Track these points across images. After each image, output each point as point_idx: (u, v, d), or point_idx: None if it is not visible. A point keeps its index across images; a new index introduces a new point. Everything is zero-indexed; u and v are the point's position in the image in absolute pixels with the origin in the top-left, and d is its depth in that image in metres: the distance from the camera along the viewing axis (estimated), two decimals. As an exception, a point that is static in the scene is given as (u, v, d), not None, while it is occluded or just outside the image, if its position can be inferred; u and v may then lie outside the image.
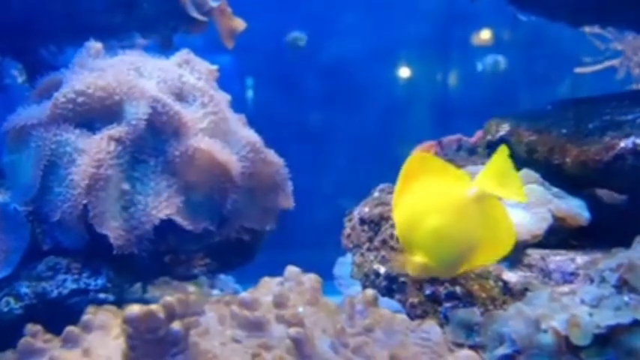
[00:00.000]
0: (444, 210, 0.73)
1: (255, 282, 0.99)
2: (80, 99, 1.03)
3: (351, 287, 1.20)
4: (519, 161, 1.15)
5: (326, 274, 1.01)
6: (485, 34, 3.04)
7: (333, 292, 1.11)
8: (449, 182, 0.75)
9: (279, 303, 0.87)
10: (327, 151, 2.84)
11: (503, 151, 0.76)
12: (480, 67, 2.94)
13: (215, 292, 1.49)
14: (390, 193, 1.26)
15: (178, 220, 1.03)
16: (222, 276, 1.61)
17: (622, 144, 0.99)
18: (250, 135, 1.14)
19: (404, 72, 3.08)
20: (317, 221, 2.26)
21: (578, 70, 2.23)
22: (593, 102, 1.24)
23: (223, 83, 1.23)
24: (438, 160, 0.79)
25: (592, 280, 0.91)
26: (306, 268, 0.96)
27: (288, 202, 1.18)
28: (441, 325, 0.90)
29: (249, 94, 3.00)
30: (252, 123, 1.22)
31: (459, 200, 0.72)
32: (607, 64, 2.16)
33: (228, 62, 2.51)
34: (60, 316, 0.93)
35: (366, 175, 1.44)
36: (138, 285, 1.14)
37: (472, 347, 0.91)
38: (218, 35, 1.48)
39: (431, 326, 0.86)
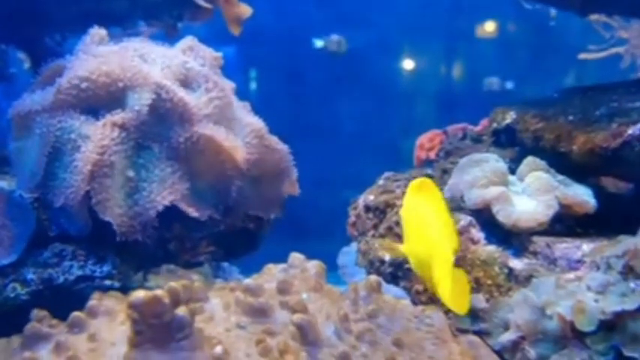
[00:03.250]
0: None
1: (258, 272, 0.99)
2: (84, 85, 1.02)
3: (355, 276, 1.20)
4: (525, 149, 1.15)
5: (330, 265, 1.01)
6: (489, 26, 3.02)
7: (337, 282, 1.11)
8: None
9: (283, 289, 0.86)
10: (332, 142, 2.83)
11: None
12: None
13: (218, 280, 1.49)
14: (395, 181, 1.25)
15: (183, 207, 1.03)
16: (225, 265, 1.61)
17: (630, 131, 0.98)
18: (255, 122, 1.13)
19: (408, 62, 3.07)
20: (321, 212, 2.26)
21: (582, 55, 2.19)
22: (600, 89, 1.23)
23: (227, 74, 1.22)
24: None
25: (598, 267, 0.90)
26: (310, 258, 0.96)
27: (293, 189, 1.18)
28: (446, 312, 0.89)
29: (253, 84, 3.00)
30: (256, 114, 1.21)
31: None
32: (612, 51, 2.12)
33: (232, 53, 2.51)
34: (66, 302, 0.93)
35: (370, 165, 1.44)
36: (141, 272, 1.14)
37: (477, 333, 0.90)
38: (222, 26, 1.47)
39: (434, 312, 0.86)
